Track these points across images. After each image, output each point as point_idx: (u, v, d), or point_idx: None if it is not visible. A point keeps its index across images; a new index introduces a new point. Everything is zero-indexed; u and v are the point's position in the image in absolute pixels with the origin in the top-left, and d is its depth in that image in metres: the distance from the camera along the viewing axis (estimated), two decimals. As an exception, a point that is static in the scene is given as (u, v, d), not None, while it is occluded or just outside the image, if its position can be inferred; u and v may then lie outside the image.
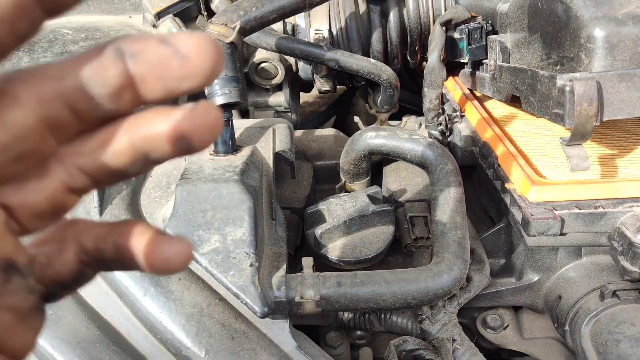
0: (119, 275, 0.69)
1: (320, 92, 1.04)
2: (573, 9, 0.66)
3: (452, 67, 1.03)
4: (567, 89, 0.60)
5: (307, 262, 0.71)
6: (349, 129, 1.33)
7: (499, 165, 0.80)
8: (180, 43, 0.27)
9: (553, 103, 0.63)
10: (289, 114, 1.08)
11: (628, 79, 0.61)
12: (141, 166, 0.30)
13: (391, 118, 1.17)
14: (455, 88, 1.02)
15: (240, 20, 0.73)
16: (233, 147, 0.76)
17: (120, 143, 0.29)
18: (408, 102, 1.22)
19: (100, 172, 0.30)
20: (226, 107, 0.73)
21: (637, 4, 0.65)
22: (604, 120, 0.61)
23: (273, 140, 0.81)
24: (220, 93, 0.71)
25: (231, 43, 0.72)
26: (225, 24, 0.73)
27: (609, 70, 0.61)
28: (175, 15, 0.86)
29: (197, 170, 0.72)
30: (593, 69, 0.63)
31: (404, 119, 1.13)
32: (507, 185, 0.76)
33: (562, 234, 0.70)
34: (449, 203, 0.77)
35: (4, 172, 0.32)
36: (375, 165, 0.97)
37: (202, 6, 0.89)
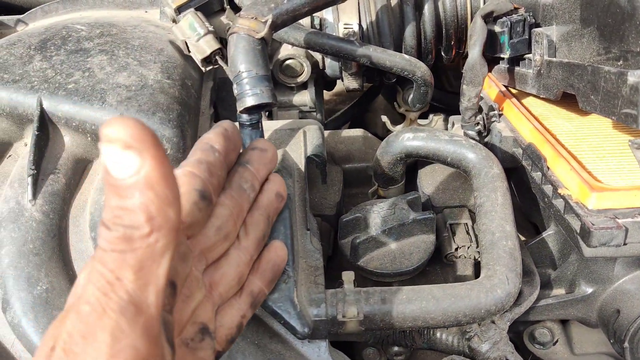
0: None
1: (348, 90, 0.98)
2: (640, -2, 0.60)
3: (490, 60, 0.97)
4: (643, 86, 0.54)
5: (348, 277, 0.65)
6: (367, 128, 1.27)
7: (548, 168, 0.74)
8: None
9: (623, 102, 0.57)
10: (314, 113, 1.02)
11: None
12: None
13: (420, 117, 1.11)
14: (490, 85, 0.96)
15: (271, 14, 0.67)
16: (263, 151, 0.70)
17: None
18: (436, 100, 1.16)
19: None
20: (256, 109, 0.67)
21: None
22: (681, 121, 0.56)
23: (304, 143, 0.76)
24: (251, 93, 0.65)
25: (262, 39, 0.66)
26: (256, 18, 0.67)
27: (688, 66, 0.55)
28: (196, 9, 0.81)
29: (225, 177, 0.66)
30: (665, 65, 0.57)
31: (434, 117, 1.07)
32: (560, 191, 0.70)
33: (624, 244, 0.64)
34: (497, 210, 0.71)
35: (213, 252, 0.50)
36: (409, 168, 0.91)
37: (225, -1, 0.83)
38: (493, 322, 0.68)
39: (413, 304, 0.62)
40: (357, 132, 0.98)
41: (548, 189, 0.73)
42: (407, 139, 0.79)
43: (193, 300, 0.47)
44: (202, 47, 0.77)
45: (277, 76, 0.97)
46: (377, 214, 0.75)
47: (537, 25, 0.85)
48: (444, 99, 1.18)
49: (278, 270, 0.57)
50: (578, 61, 0.72)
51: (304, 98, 1.00)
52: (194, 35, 0.77)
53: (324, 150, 0.77)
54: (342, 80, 0.97)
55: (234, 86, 0.67)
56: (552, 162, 0.73)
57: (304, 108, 1.00)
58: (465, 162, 0.77)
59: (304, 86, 1.00)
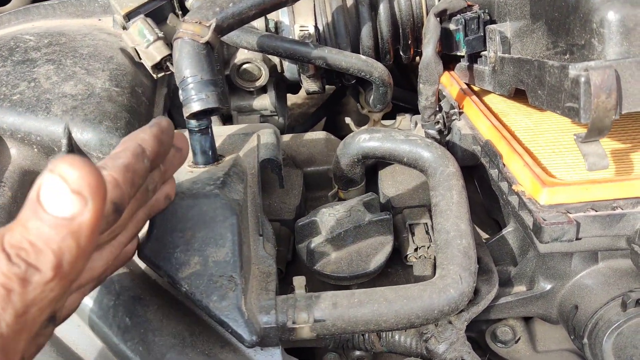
0: (92, 305, 0.62)
1: (308, 93, 0.97)
2: (582, -9, 0.60)
3: (447, 60, 0.96)
4: (582, 79, 0.54)
5: (299, 282, 0.64)
6: (340, 130, 1.26)
7: (504, 165, 0.73)
8: None
9: (565, 96, 0.57)
10: (276, 117, 1.01)
11: (648, 66, 0.55)
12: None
13: (384, 117, 1.10)
14: (451, 83, 0.95)
15: (216, 18, 0.66)
16: (214, 157, 0.70)
17: None
18: (401, 100, 1.16)
19: None
20: (204, 114, 0.66)
21: (654, -17, 0.58)
22: (624, 113, 0.55)
23: (258, 147, 0.75)
24: (197, 99, 0.64)
25: (207, 43, 0.66)
26: (200, 22, 0.66)
27: (627, 57, 0.55)
28: (147, 15, 0.79)
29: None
30: (608, 57, 0.56)
31: (398, 118, 1.07)
32: (514, 187, 0.69)
33: (577, 239, 0.64)
34: (452, 209, 0.70)
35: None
36: (370, 169, 0.90)
37: (175, 4, 0.82)
38: (450, 322, 0.67)
39: (365, 307, 0.61)
40: (319, 134, 0.97)
41: (504, 185, 0.73)
42: (363, 140, 0.79)
43: None
44: (151, 53, 0.76)
45: (235, 81, 0.96)
46: (333, 216, 0.74)
47: (493, 22, 0.85)
48: (410, 99, 1.17)
49: (124, 262, 0.58)
50: (529, 56, 0.72)
51: (264, 102, 0.99)
52: (144, 41, 0.76)
53: (278, 154, 0.76)
54: (301, 83, 0.96)
55: (180, 92, 0.66)
56: (507, 159, 0.73)
57: (264, 112, 0.99)
58: (422, 161, 0.77)
59: (263, 90, 0.99)
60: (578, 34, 0.61)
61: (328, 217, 0.74)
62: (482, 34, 0.83)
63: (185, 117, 0.66)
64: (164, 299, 0.64)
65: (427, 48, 0.80)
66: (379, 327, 0.62)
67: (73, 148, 0.68)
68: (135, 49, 0.78)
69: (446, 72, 0.99)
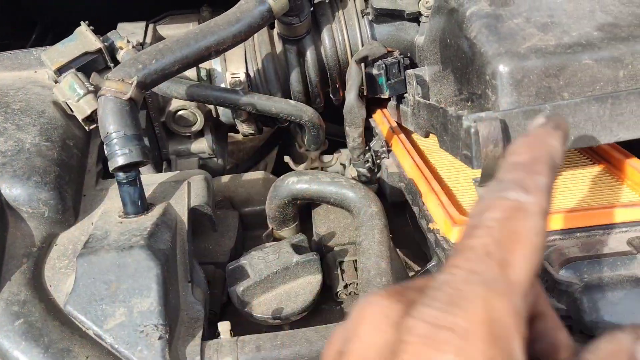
0: (16, 353, 0.64)
1: (245, 135, 1.01)
2: (477, 45, 0.65)
3: (381, 99, 1.01)
4: (472, 130, 0.58)
5: (224, 327, 0.66)
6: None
7: (423, 203, 0.77)
8: None
9: (462, 144, 0.61)
10: (215, 159, 1.03)
11: (534, 115, 0.59)
12: None
13: (324, 153, 1.14)
14: (383, 122, 1.00)
15: (138, 75, 0.69)
16: (143, 206, 0.72)
17: None
18: (340, 136, 1.20)
19: None
20: (129, 167, 0.68)
21: (539, 37, 0.63)
22: (514, 159, 0.59)
23: (188, 194, 0.77)
24: (121, 153, 0.67)
25: (130, 99, 0.68)
26: (123, 80, 0.69)
27: (514, 108, 0.59)
28: (78, 69, 0.82)
29: (102, 236, 0.68)
30: (500, 106, 0.61)
31: (335, 154, 1.10)
32: (430, 225, 0.73)
33: (488, 274, 0.68)
34: (373, 248, 0.74)
35: None
36: (305, 207, 0.94)
37: (107, 57, 0.84)
38: None
39: (287, 349, 0.64)
40: (257, 174, 1.00)
41: (423, 223, 0.76)
42: (292, 182, 0.82)
43: None
44: (82, 107, 0.79)
45: (171, 127, 0.98)
46: (262, 259, 0.77)
47: (414, 66, 0.90)
48: (349, 135, 1.21)
49: None
50: (442, 101, 0.76)
51: (202, 145, 1.02)
52: (74, 95, 0.79)
53: (209, 200, 0.79)
54: (237, 127, 0.99)
55: (105, 146, 0.68)
56: (425, 197, 0.77)
57: (203, 155, 1.02)
58: (347, 201, 0.80)
59: (201, 133, 1.02)
60: (476, 84, 0.66)
61: (257, 259, 0.77)
62: (403, 78, 0.88)
63: (110, 171, 0.69)
64: (94, 350, 0.65)
65: (350, 94, 0.85)
66: (301, 368, 0.64)
67: (2, 204, 0.69)
68: (66, 102, 0.80)
69: (379, 110, 1.03)
